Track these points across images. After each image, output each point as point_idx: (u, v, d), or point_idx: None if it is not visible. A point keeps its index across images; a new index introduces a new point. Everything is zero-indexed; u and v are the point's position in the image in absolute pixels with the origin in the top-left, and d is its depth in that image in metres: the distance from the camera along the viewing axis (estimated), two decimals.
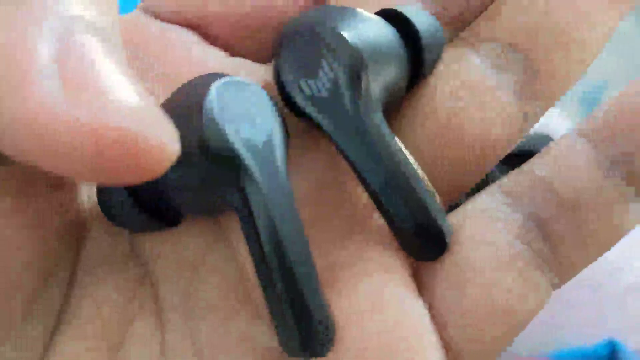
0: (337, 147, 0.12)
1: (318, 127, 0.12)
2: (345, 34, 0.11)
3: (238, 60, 0.13)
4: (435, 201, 0.12)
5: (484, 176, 0.12)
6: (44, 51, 0.07)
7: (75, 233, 0.12)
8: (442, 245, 0.12)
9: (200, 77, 0.11)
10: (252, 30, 0.13)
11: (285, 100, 0.12)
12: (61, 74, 0.07)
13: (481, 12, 0.13)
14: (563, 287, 0.41)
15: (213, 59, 0.13)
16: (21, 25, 0.08)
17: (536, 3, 0.13)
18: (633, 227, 0.12)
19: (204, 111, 0.10)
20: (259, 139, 0.11)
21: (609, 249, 0.12)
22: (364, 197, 0.12)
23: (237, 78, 0.11)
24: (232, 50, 0.14)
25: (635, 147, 0.12)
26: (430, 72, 0.13)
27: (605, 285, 0.39)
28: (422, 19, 0.12)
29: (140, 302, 0.12)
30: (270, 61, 0.14)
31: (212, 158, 0.10)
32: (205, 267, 0.12)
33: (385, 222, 0.12)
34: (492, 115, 0.12)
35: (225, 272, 0.12)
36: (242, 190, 0.11)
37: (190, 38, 0.13)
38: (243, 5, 0.13)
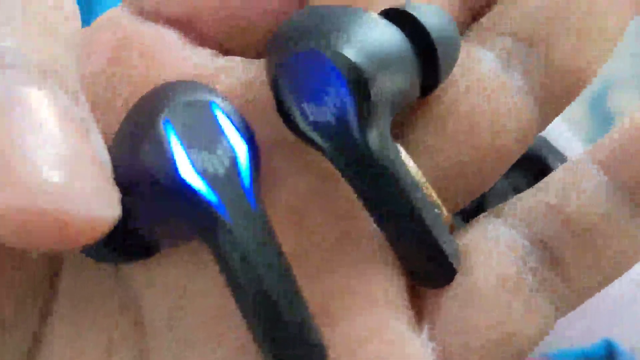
0: (342, 172, 0.11)
1: (320, 150, 0.11)
2: (350, 53, 0.10)
3: (228, 59, 0.13)
4: (444, 228, 0.11)
5: (496, 180, 0.12)
6: None
7: (51, 262, 0.12)
8: (450, 273, 0.11)
9: (165, 86, 0.10)
10: (243, 26, 0.12)
11: (284, 119, 0.11)
12: None
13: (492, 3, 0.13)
14: None
15: (198, 61, 0.12)
16: None
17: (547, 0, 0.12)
18: None
19: (153, 139, 0.09)
20: (220, 166, 0.10)
21: (620, 275, 0.12)
22: (361, 220, 0.12)
23: (198, 96, 0.10)
24: (222, 47, 0.13)
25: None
26: (447, 76, 0.12)
27: (607, 288, 0.39)
28: (433, 19, 0.11)
29: (122, 331, 0.11)
30: (261, 57, 0.13)
31: (165, 195, 0.09)
32: (189, 294, 0.11)
33: (391, 247, 0.11)
34: (506, 119, 0.12)
35: (210, 298, 0.11)
36: (205, 228, 0.10)
37: (174, 37, 0.12)
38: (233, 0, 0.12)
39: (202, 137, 0.10)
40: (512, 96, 0.12)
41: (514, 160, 0.12)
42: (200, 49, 0.12)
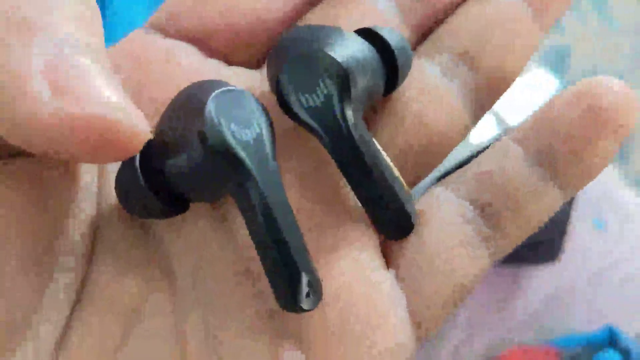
0: (328, 148, 0.14)
1: (312, 131, 0.14)
2: (338, 57, 0.14)
3: (234, 68, 0.15)
4: (404, 190, 0.14)
5: (441, 162, 0.16)
6: (34, 63, 0.10)
7: (89, 219, 0.14)
8: (409, 226, 0.14)
9: (202, 82, 0.13)
10: (246, 42, 0.15)
11: (285, 109, 0.14)
12: (48, 80, 0.10)
13: (437, 25, 0.17)
14: (564, 276, 0.42)
15: (210, 69, 0.15)
16: (15, 44, 0.10)
17: (477, 23, 0.16)
18: (557, 207, 0.15)
19: (205, 114, 0.12)
20: (252, 138, 0.13)
21: (540, 225, 0.15)
22: (342, 185, 0.15)
23: (232, 86, 0.13)
24: (228, 59, 0.16)
25: (550, 146, 0.15)
26: (403, 81, 0.15)
27: (604, 275, 0.40)
28: (394, 38, 0.15)
29: (154, 276, 0.14)
30: (261, 67, 0.16)
31: (212, 154, 0.12)
32: (211, 248, 0.14)
33: (363, 208, 0.14)
34: (446, 116, 0.15)
35: (227, 251, 0.14)
36: (239, 181, 0.13)
37: (190, 51, 0.15)
38: (238, 21, 0.15)
39: (238, 114, 0.13)
40: (450, 99, 0.15)
41: (453, 147, 0.16)
42: (211, 59, 0.15)
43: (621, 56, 0.93)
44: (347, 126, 0.14)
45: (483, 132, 0.37)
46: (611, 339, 0.37)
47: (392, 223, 0.14)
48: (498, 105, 0.36)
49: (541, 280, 0.39)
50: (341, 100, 0.14)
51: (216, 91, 0.13)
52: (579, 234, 0.40)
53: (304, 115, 0.14)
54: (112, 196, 0.14)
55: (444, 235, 0.14)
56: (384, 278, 0.14)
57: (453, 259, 0.14)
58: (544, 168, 0.15)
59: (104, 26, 0.34)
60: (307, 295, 0.13)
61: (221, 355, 0.13)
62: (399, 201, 0.14)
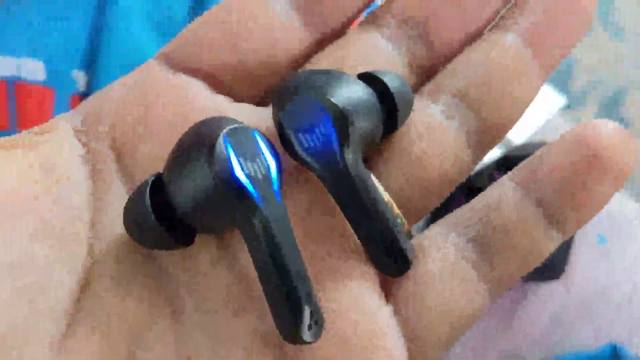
0: (327, 187, 0.14)
1: (312, 169, 0.14)
2: (336, 101, 0.14)
3: (242, 105, 0.16)
4: (402, 228, 0.15)
5: (443, 201, 0.16)
6: None
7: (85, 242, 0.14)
8: (406, 263, 0.15)
9: (212, 118, 0.14)
10: (255, 79, 0.16)
11: (286, 148, 0.15)
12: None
13: (440, 68, 0.17)
14: (569, 293, 0.42)
15: (219, 105, 0.16)
16: None
17: (478, 67, 0.16)
18: (552, 248, 0.15)
19: (216, 148, 0.13)
20: (260, 174, 0.13)
21: (537, 264, 0.15)
22: (344, 223, 0.16)
23: (243, 124, 0.14)
24: (236, 94, 0.16)
25: (547, 189, 0.15)
26: (403, 123, 0.16)
27: (608, 292, 0.40)
28: (395, 82, 0.15)
29: (158, 304, 0.14)
30: (268, 104, 0.17)
31: (222, 188, 0.13)
32: (214, 274, 0.14)
33: (362, 244, 0.15)
34: (446, 156, 0.16)
35: (231, 279, 0.14)
36: (247, 215, 0.13)
37: (199, 86, 0.16)
38: (248, 58, 0.16)
39: (248, 151, 0.13)
40: (450, 140, 0.16)
41: (454, 186, 0.16)
42: (219, 96, 0.16)
43: (625, 68, 0.93)
44: (345, 165, 0.14)
45: None
46: (615, 357, 0.37)
47: (389, 261, 0.15)
48: None
49: (546, 297, 0.39)
50: (339, 140, 0.14)
51: (227, 128, 0.13)
52: (584, 250, 0.40)
53: (303, 155, 0.14)
54: (110, 224, 0.15)
55: (442, 271, 0.15)
56: (383, 311, 0.14)
57: (451, 295, 0.15)
58: (542, 209, 0.15)
59: (101, 36, 0.34)
60: (309, 327, 0.13)
61: None
62: (396, 239, 0.15)
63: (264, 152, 0.14)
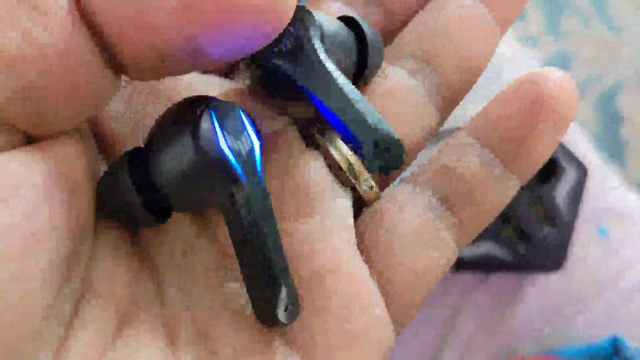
0: (301, 87, 0.14)
1: (286, 76, 0.14)
2: (317, 18, 0.14)
3: (210, 77, 0.16)
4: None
5: (412, 160, 0.16)
6: None
7: (89, 229, 0.14)
8: (401, 155, 0.15)
9: (194, 96, 0.14)
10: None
11: (254, 61, 0.15)
12: None
13: (400, 29, 0.18)
14: (568, 285, 0.42)
15: (186, 76, 0.16)
16: None
17: (437, 25, 0.17)
18: (513, 193, 0.16)
19: (201, 124, 0.13)
20: (244, 150, 0.13)
21: (499, 210, 0.16)
22: (321, 183, 0.15)
23: (227, 102, 0.14)
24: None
25: (500, 136, 0.15)
26: (374, 73, 0.16)
27: (608, 283, 0.40)
28: (371, 31, 0.16)
29: (143, 280, 0.14)
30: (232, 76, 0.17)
31: (207, 163, 0.13)
32: (193, 252, 0.14)
33: (352, 150, 0.15)
34: (412, 115, 0.16)
35: (212, 256, 0.15)
36: (230, 191, 0.13)
37: None
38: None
39: (232, 128, 0.13)
40: (416, 100, 0.16)
41: (423, 145, 0.16)
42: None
43: (623, 61, 0.93)
44: (318, 59, 0.14)
45: None
46: (615, 349, 0.36)
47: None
48: None
49: (545, 289, 0.39)
50: (310, 38, 0.14)
51: (210, 103, 0.13)
52: (584, 242, 0.40)
53: (276, 60, 0.14)
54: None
55: (413, 227, 0.15)
56: (360, 266, 0.15)
57: (423, 249, 0.15)
58: (497, 158, 0.16)
59: None
60: (285, 309, 0.13)
61: (214, 349, 0.14)
62: (387, 128, 0.14)
63: (248, 131, 0.13)
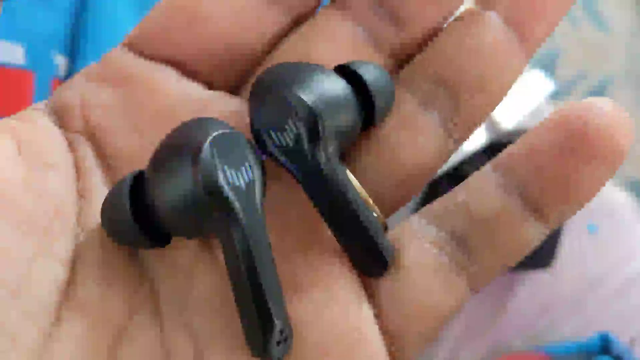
0: (302, 186, 0.14)
1: (286, 169, 0.14)
2: (307, 99, 0.14)
3: (216, 94, 0.15)
4: (380, 227, 0.14)
5: (419, 192, 0.15)
6: None
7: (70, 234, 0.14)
8: (384, 264, 0.14)
9: (200, 120, 0.14)
10: (227, 66, 0.15)
11: (258, 145, 0.14)
12: None
13: (416, 52, 0.16)
14: (559, 283, 0.42)
15: (192, 93, 0.15)
16: None
17: (459, 49, 0.15)
18: (536, 241, 0.14)
19: (201, 155, 0.13)
20: (244, 183, 0.13)
21: (519, 258, 0.14)
22: (323, 227, 0.15)
23: (230, 128, 0.13)
24: (209, 83, 0.15)
25: (530, 175, 0.14)
26: (383, 118, 0.15)
27: (598, 281, 0.40)
28: (373, 74, 0.15)
29: (140, 298, 0.14)
30: (243, 92, 0.16)
31: (204, 195, 0.13)
32: (194, 273, 0.14)
33: (341, 246, 0.15)
34: (424, 146, 0.15)
35: (212, 277, 0.14)
36: (226, 225, 0.13)
37: (170, 74, 0.15)
38: (216, 46, 0.15)
39: (233, 159, 0.13)
40: (428, 129, 0.15)
41: (433, 175, 0.15)
42: (191, 82, 0.15)
43: (611, 59, 0.93)
44: (317, 164, 0.14)
45: (474, 136, 0.37)
46: (605, 346, 0.36)
47: (367, 262, 0.14)
48: None
49: (535, 286, 0.39)
50: (310, 140, 0.14)
51: (214, 133, 0.13)
52: (573, 239, 0.40)
53: (276, 153, 0.14)
54: (95, 218, 0.14)
55: (421, 266, 0.14)
56: (362, 308, 0.14)
57: (429, 291, 0.14)
58: (524, 200, 0.14)
59: (84, 20, 0.33)
60: (278, 344, 0.13)
61: None
62: (372, 240, 0.14)
63: (249, 160, 0.13)
